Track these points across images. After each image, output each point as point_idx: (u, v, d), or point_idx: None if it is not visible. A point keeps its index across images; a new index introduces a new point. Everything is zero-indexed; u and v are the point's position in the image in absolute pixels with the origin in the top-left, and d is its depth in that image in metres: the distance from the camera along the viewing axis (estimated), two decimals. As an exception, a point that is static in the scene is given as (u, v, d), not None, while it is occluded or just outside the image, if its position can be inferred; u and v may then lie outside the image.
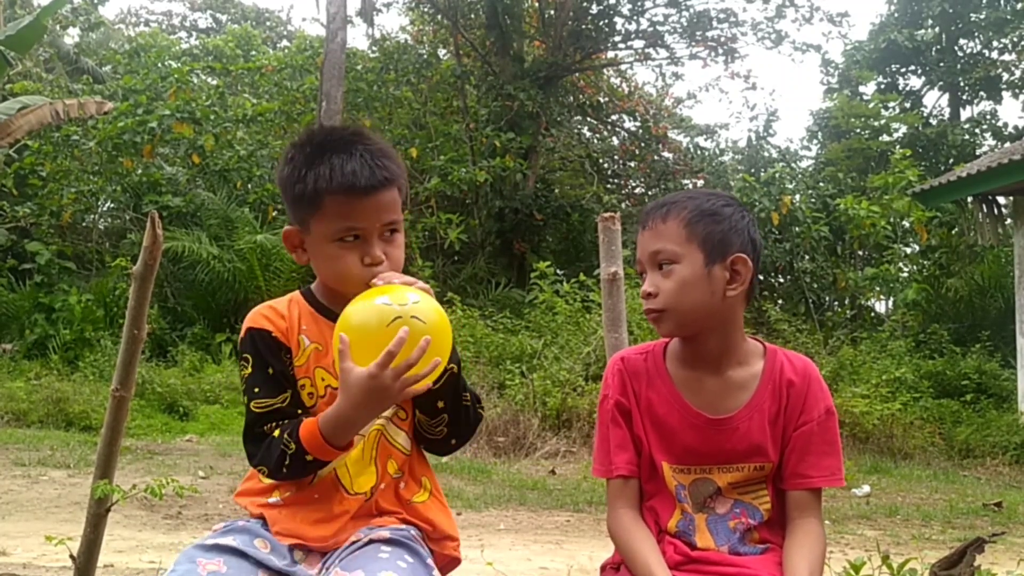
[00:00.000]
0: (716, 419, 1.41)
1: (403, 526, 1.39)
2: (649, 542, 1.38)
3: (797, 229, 11.44)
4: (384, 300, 1.29)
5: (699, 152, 15.71)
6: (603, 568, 1.50)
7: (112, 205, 12.67)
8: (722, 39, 14.24)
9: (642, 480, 1.45)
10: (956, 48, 19.07)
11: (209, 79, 15.00)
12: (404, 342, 1.22)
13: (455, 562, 1.48)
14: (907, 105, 18.49)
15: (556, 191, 14.17)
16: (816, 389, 1.43)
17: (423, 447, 1.46)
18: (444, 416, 1.38)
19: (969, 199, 9.29)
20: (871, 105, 16.01)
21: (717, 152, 16.14)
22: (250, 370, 1.40)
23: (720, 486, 1.43)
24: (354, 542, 1.34)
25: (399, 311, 1.26)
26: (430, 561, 1.36)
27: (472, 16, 14.27)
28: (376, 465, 1.40)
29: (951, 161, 14.66)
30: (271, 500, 1.40)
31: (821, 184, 13.06)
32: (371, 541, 1.33)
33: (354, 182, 1.35)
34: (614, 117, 15.53)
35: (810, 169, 14.85)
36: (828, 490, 1.44)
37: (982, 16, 18.14)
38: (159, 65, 13.84)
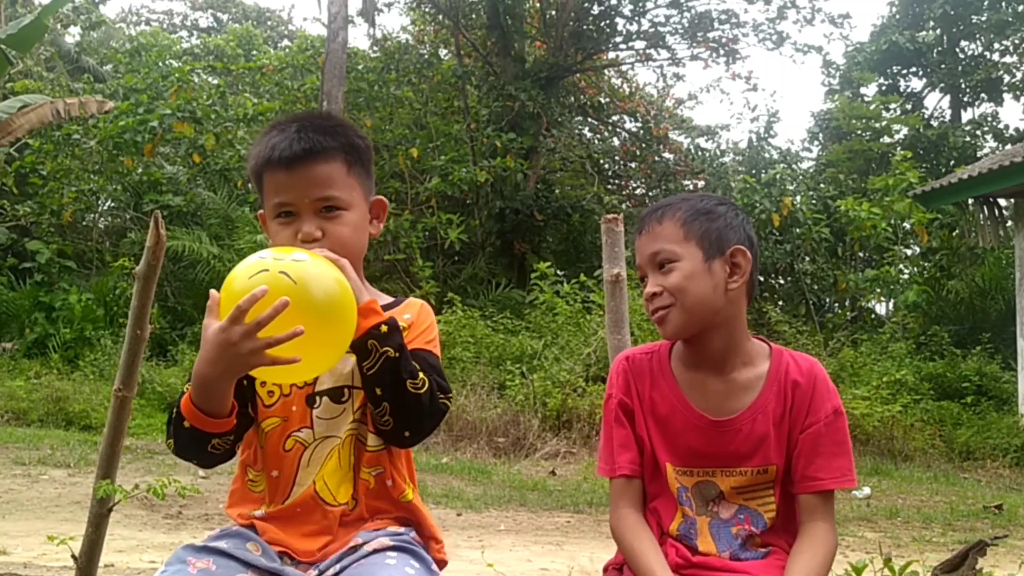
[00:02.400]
0: (719, 420, 1.40)
1: (401, 529, 1.37)
2: (652, 543, 1.37)
3: (798, 230, 11.43)
4: (264, 254, 1.23)
5: (700, 153, 15.69)
6: (605, 569, 1.49)
7: (112, 204, 12.66)
8: (723, 40, 14.22)
9: (645, 481, 1.44)
10: (957, 50, 19.06)
11: (210, 78, 14.99)
12: (257, 299, 1.14)
13: (442, 564, 1.46)
14: (908, 107, 18.48)
15: (557, 191, 14.15)
16: (822, 390, 1.41)
17: (382, 440, 1.37)
18: (385, 404, 1.30)
19: (970, 201, 9.27)
20: (872, 107, 15.99)
21: (718, 153, 16.13)
22: None
23: (723, 490, 1.42)
24: (353, 547, 1.32)
25: (269, 264, 1.19)
26: (434, 566, 1.35)
27: (473, 16, 14.26)
28: (353, 472, 1.37)
29: (952, 163, 14.65)
30: (256, 513, 1.38)
31: (822, 185, 13.06)
32: (375, 550, 1.30)
33: (270, 155, 1.35)
34: (615, 118, 15.51)
35: (811, 170, 14.84)
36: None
37: (983, 18, 18.13)
38: (160, 64, 13.81)
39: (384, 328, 1.29)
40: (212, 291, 1.22)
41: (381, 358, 1.28)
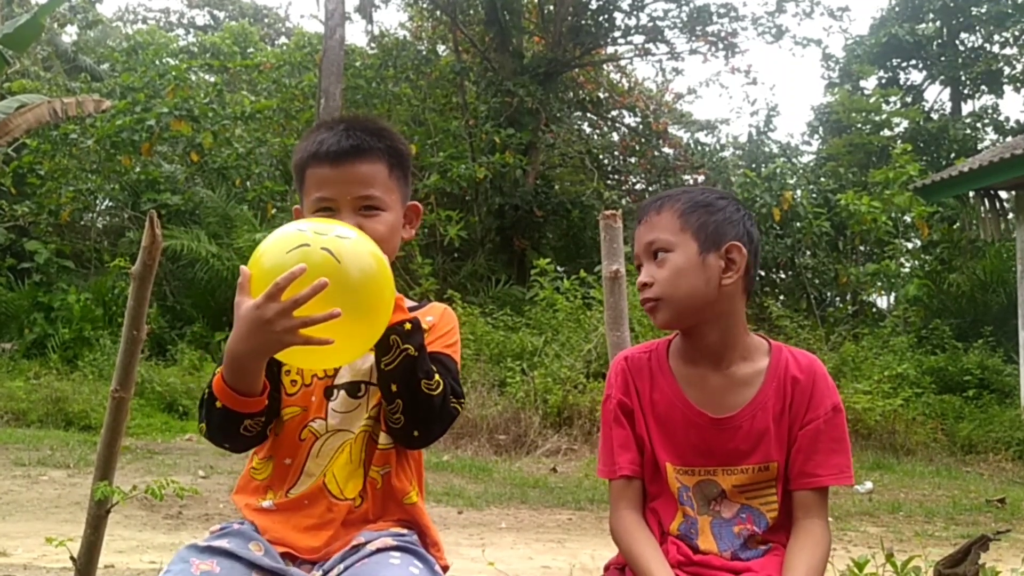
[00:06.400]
0: (719, 418, 1.39)
1: (404, 531, 1.38)
2: (651, 544, 1.36)
3: (798, 224, 11.41)
4: (303, 226, 1.18)
5: (700, 148, 15.65)
6: (607, 568, 1.48)
7: (110, 203, 12.65)
8: (722, 34, 14.18)
9: (645, 481, 1.43)
10: (957, 42, 19.01)
11: (207, 76, 14.95)
12: (295, 276, 1.11)
13: (444, 569, 1.46)
14: (908, 100, 18.43)
15: (556, 187, 14.12)
16: (822, 386, 1.40)
17: (391, 438, 1.38)
18: (398, 402, 1.30)
19: (971, 194, 9.24)
20: (872, 100, 15.95)
21: (718, 147, 16.08)
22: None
23: (724, 488, 1.40)
24: (355, 547, 1.32)
25: (310, 238, 1.14)
26: (438, 568, 1.36)
27: (471, 12, 14.22)
28: (364, 469, 1.37)
29: (952, 156, 14.63)
30: (264, 504, 1.38)
31: (822, 179, 13.03)
32: (378, 550, 1.31)
33: (317, 150, 1.38)
34: (614, 113, 15.47)
35: (811, 164, 14.80)
36: (831, 487, 1.42)
37: (983, 10, 18.07)
38: (157, 63, 13.77)
39: (408, 326, 1.29)
40: (243, 267, 1.20)
41: (401, 355, 1.28)
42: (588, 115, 15.66)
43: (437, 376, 1.32)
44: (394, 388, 1.30)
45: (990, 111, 18.73)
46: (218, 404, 1.27)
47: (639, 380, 1.44)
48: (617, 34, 14.33)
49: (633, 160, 15.12)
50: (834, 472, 1.37)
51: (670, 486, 1.40)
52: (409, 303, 1.45)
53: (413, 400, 1.30)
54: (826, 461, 1.37)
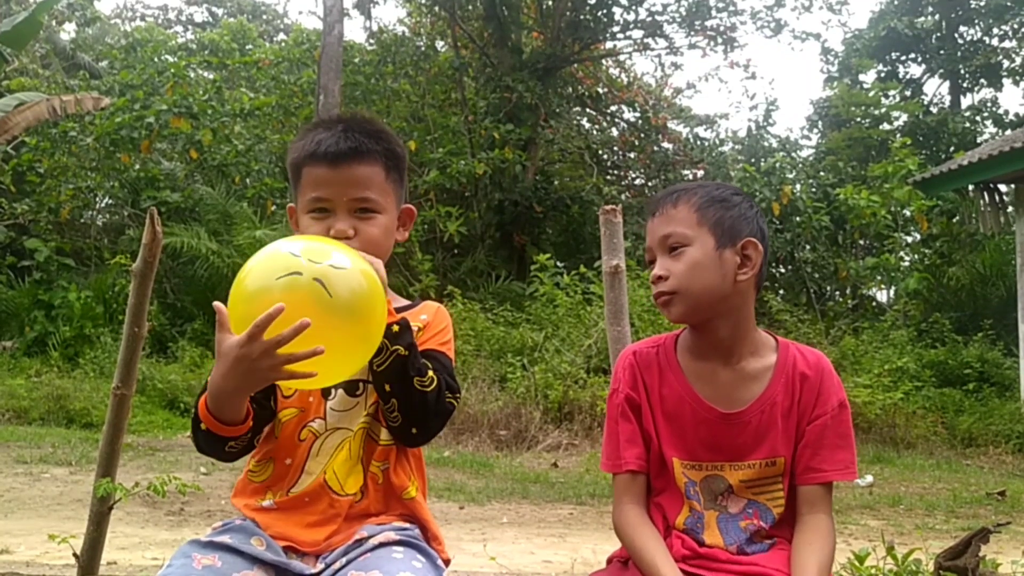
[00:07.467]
0: (728, 413, 1.39)
1: (406, 525, 1.39)
2: (655, 539, 1.37)
3: (798, 219, 11.41)
4: (295, 248, 1.13)
5: (699, 142, 15.63)
6: (610, 560, 1.49)
7: (110, 201, 12.63)
8: (721, 28, 14.16)
9: (651, 476, 1.44)
10: (956, 35, 18.99)
11: (206, 73, 14.93)
12: (273, 318, 1.09)
13: (446, 563, 1.48)
14: (907, 93, 18.42)
15: (556, 183, 14.10)
16: (829, 383, 1.41)
17: (392, 436, 1.40)
18: (393, 400, 1.32)
19: (970, 187, 9.24)
20: (871, 93, 15.93)
21: (717, 142, 16.05)
22: None
23: (732, 484, 1.41)
24: (358, 541, 1.33)
25: (303, 266, 1.10)
26: (440, 562, 1.37)
27: (470, 7, 14.18)
28: (363, 465, 1.39)
29: (952, 149, 14.60)
30: (264, 504, 1.39)
31: (822, 174, 13.02)
32: (381, 544, 1.32)
33: (315, 150, 1.38)
34: (613, 108, 15.44)
35: (810, 158, 14.79)
36: (834, 482, 1.43)
37: (982, 3, 18.06)
38: (156, 60, 13.76)
39: (396, 328, 1.31)
40: (219, 305, 1.18)
41: (391, 356, 1.30)
42: (587, 110, 15.62)
43: (431, 373, 1.33)
44: (388, 388, 1.32)
45: (989, 104, 18.73)
46: (203, 427, 1.30)
47: (647, 375, 1.44)
48: (616, 29, 14.29)
49: (632, 155, 15.09)
50: (839, 468, 1.38)
51: (676, 481, 1.41)
52: (401, 302, 1.47)
53: (408, 398, 1.32)
54: (831, 457, 1.38)
